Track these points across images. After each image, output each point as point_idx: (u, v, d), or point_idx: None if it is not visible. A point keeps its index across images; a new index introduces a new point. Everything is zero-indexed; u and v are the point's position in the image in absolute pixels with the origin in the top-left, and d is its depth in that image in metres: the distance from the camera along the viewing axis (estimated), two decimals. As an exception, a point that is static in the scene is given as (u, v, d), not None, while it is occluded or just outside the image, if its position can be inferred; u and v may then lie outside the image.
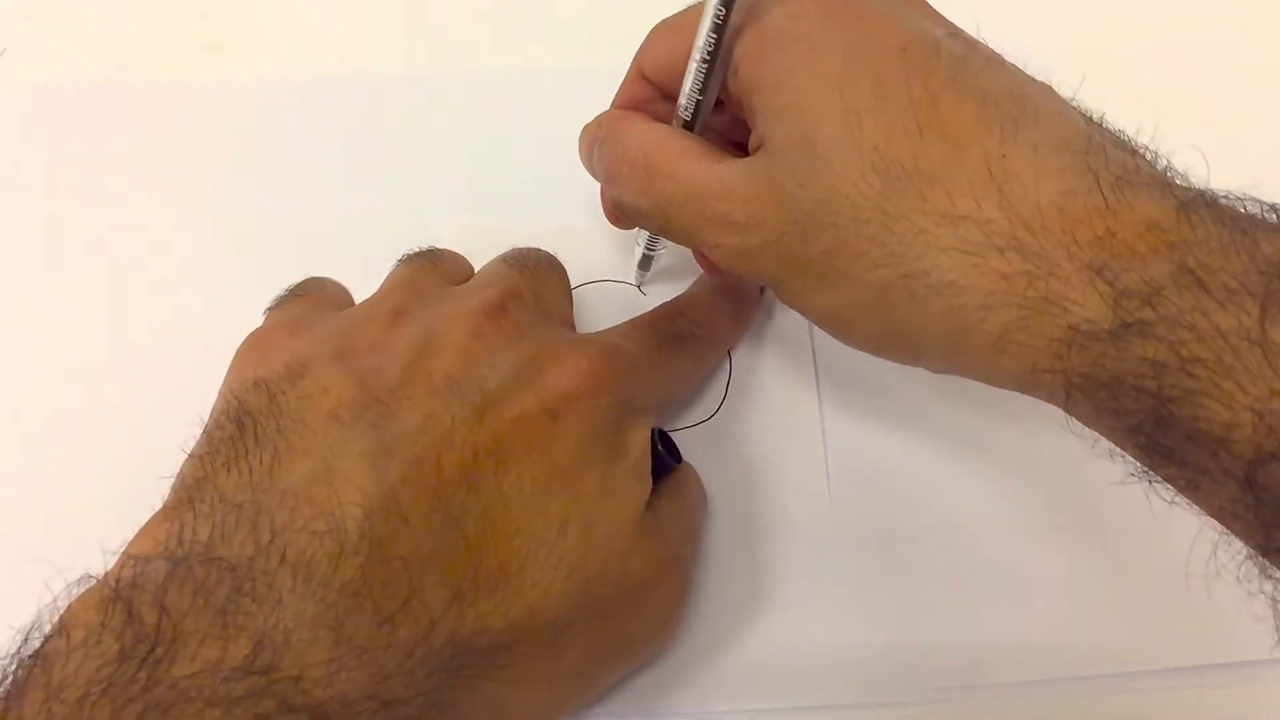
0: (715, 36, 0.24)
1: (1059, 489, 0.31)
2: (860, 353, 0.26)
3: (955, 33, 0.25)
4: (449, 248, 0.36)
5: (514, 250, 0.30)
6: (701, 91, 0.26)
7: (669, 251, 0.34)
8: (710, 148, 0.26)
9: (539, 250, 0.30)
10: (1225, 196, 0.20)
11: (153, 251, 0.37)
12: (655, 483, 0.26)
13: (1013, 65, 0.24)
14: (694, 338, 0.31)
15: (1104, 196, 0.20)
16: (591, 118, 0.38)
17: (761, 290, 0.35)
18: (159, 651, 0.18)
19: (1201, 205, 0.20)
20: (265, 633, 0.19)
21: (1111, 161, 0.21)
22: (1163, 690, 0.29)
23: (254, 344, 0.27)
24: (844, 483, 0.32)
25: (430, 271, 0.29)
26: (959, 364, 0.23)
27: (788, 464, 0.32)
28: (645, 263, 0.35)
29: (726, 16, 0.24)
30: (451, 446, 0.22)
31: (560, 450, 0.24)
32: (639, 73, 0.29)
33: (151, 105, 0.42)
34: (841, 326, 0.25)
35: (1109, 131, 0.23)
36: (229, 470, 0.22)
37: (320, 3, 0.46)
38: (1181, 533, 0.30)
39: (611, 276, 0.36)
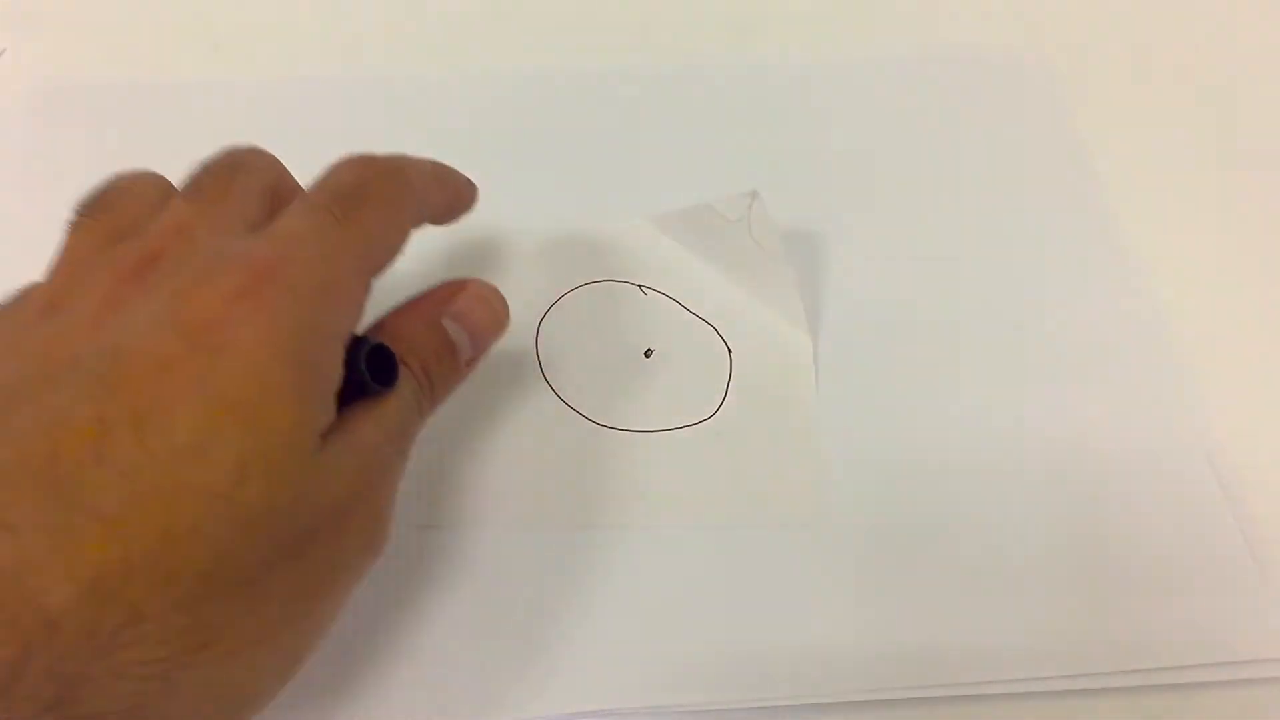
0: None
1: (1060, 488, 0.31)
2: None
3: None
4: (453, 250, 0.36)
5: (204, 162, 0.27)
6: None
7: None
8: None
9: (234, 154, 0.27)
10: None
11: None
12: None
13: None
14: (382, 184, 0.26)
15: None
16: (585, 118, 0.38)
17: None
18: None
19: None
20: None
21: None
22: (1163, 690, 0.29)
23: None
24: (843, 482, 0.32)
25: (91, 232, 0.25)
26: None
27: (787, 464, 0.32)
28: None
29: None
30: (69, 429, 0.20)
31: (225, 386, 0.20)
32: None
33: (151, 105, 0.42)
34: None
35: None
36: None
37: (320, 3, 0.46)
38: (1182, 534, 0.31)
39: (611, 276, 0.36)
